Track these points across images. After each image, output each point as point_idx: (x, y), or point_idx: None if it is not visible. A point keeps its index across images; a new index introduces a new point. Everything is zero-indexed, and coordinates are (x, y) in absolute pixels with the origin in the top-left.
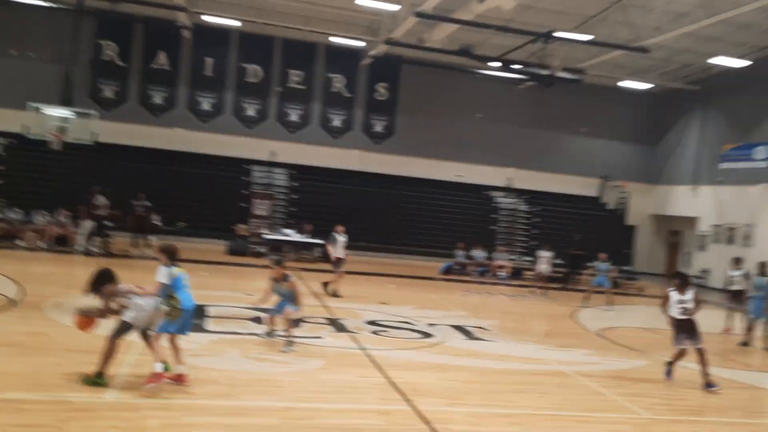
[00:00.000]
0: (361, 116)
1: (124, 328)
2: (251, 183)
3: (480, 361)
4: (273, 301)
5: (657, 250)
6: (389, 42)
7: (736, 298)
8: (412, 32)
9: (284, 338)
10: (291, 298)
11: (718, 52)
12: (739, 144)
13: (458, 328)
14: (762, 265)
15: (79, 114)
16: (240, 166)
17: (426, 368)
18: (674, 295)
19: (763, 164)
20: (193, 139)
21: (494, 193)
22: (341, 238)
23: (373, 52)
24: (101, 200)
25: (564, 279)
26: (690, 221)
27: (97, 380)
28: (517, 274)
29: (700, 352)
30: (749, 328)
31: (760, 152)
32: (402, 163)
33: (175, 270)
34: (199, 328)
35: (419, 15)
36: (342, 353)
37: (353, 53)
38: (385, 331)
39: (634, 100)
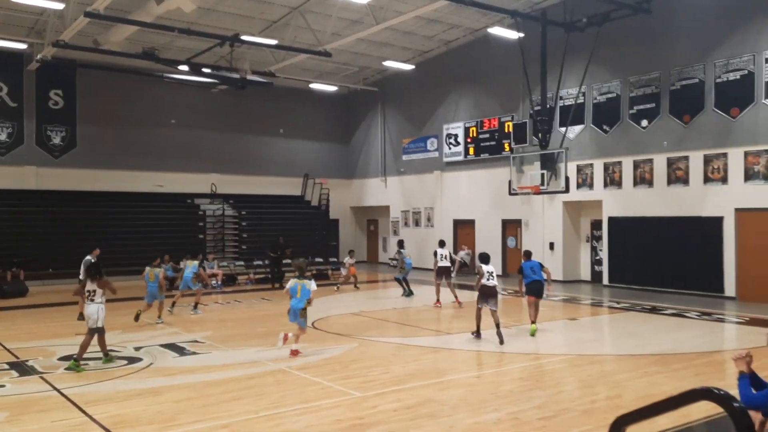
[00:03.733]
0: (33, 128)
1: None
2: None
3: (195, 376)
4: None
5: (360, 239)
6: (58, 44)
7: (441, 273)
8: (84, 33)
9: None
10: None
11: (389, 56)
12: (415, 138)
13: (170, 346)
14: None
15: None
16: None
17: (133, 396)
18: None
19: (434, 154)
20: None
21: (199, 201)
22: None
23: (40, 56)
24: None
25: (275, 278)
26: (384, 210)
27: None
28: (231, 280)
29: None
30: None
31: (431, 143)
32: (90, 178)
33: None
34: None
35: (89, 15)
36: (30, 399)
37: (16, 57)
38: (85, 364)
39: (325, 101)
